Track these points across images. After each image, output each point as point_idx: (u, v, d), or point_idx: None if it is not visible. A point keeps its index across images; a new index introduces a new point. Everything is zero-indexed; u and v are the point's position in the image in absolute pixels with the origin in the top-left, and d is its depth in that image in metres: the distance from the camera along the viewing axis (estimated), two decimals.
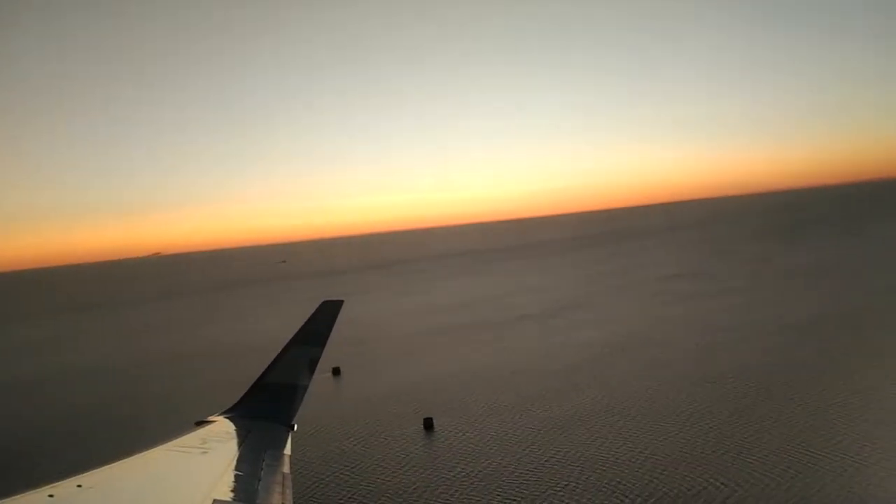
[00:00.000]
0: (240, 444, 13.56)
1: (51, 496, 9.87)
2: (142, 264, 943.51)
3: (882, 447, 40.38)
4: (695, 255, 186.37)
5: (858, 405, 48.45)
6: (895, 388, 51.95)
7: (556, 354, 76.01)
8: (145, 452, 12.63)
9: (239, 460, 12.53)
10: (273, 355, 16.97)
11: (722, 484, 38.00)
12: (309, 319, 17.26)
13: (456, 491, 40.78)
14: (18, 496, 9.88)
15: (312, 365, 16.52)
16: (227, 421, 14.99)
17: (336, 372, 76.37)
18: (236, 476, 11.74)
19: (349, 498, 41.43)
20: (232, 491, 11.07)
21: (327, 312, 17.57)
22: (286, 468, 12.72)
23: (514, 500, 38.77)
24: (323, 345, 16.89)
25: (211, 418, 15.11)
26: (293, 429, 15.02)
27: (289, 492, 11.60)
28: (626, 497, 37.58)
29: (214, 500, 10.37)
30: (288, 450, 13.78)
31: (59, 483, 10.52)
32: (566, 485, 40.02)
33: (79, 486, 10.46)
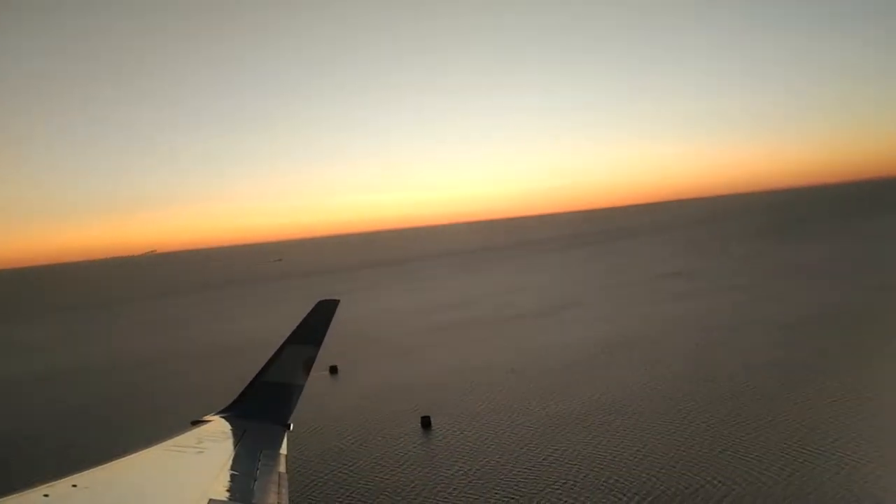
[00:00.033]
0: (235, 444, 13.58)
1: (46, 496, 9.88)
2: (136, 262, 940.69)
3: (878, 445, 40.49)
4: (692, 254, 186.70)
5: (855, 403, 48.56)
6: (892, 386, 52.21)
7: (553, 353, 76.13)
8: (141, 452, 12.64)
9: (235, 460, 12.55)
10: (269, 354, 16.99)
11: (719, 482, 38.09)
12: (305, 319, 17.29)
13: (454, 489, 40.81)
14: (13, 496, 9.90)
15: (308, 364, 16.55)
16: (223, 420, 15.00)
17: (333, 370, 76.37)
18: (232, 476, 11.77)
19: (347, 497, 41.42)
20: (228, 490, 11.09)
21: (323, 312, 17.61)
22: (282, 468, 12.76)
23: (513, 498, 38.82)
24: (319, 344, 16.93)
25: (206, 418, 15.13)
26: (289, 428, 15.05)
27: (285, 491, 11.63)
28: (624, 495, 37.66)
29: (210, 500, 10.40)
30: (284, 449, 13.82)
31: (55, 483, 10.53)
32: (564, 483, 40.10)
33: (74, 485, 10.47)
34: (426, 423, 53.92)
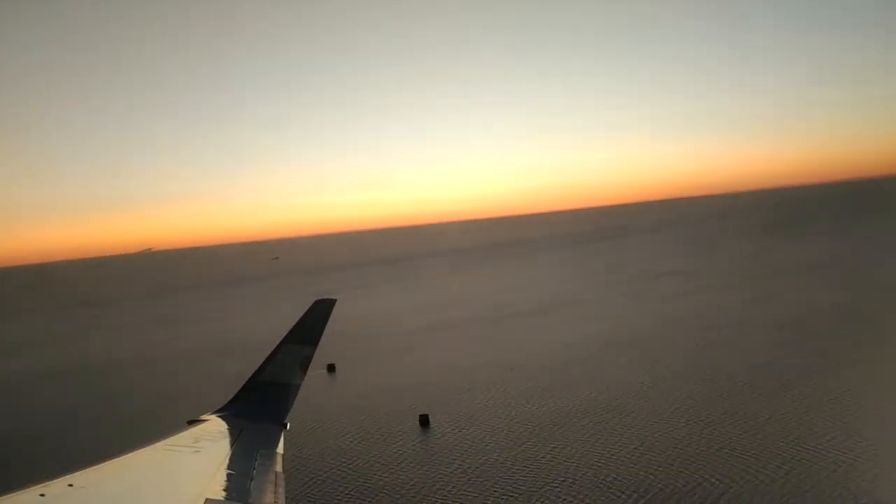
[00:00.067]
0: (232, 443, 13.55)
1: (42, 495, 9.84)
2: (133, 260, 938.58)
3: (876, 444, 40.55)
4: (689, 252, 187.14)
5: (853, 402, 48.63)
6: (889, 384, 52.30)
7: (550, 351, 76.21)
8: (137, 451, 12.59)
9: (231, 459, 12.52)
10: (266, 353, 16.96)
11: (717, 480, 38.13)
12: (302, 318, 17.27)
13: (453, 487, 40.81)
14: (9, 496, 9.85)
15: (305, 364, 16.54)
16: (220, 420, 14.97)
17: (331, 369, 76.34)
18: (228, 475, 11.73)
19: (344, 496, 41.38)
20: (224, 490, 11.06)
21: (320, 311, 17.59)
22: (279, 467, 12.74)
23: (512, 496, 38.83)
24: (316, 343, 16.91)
25: (203, 417, 15.10)
26: (286, 428, 15.03)
27: (281, 491, 11.61)
28: (623, 493, 37.70)
29: (207, 500, 10.36)
30: (280, 449, 13.80)
31: (50, 482, 10.49)
32: (563, 481, 40.13)
33: (70, 485, 10.43)
34: (424, 421, 53.91)
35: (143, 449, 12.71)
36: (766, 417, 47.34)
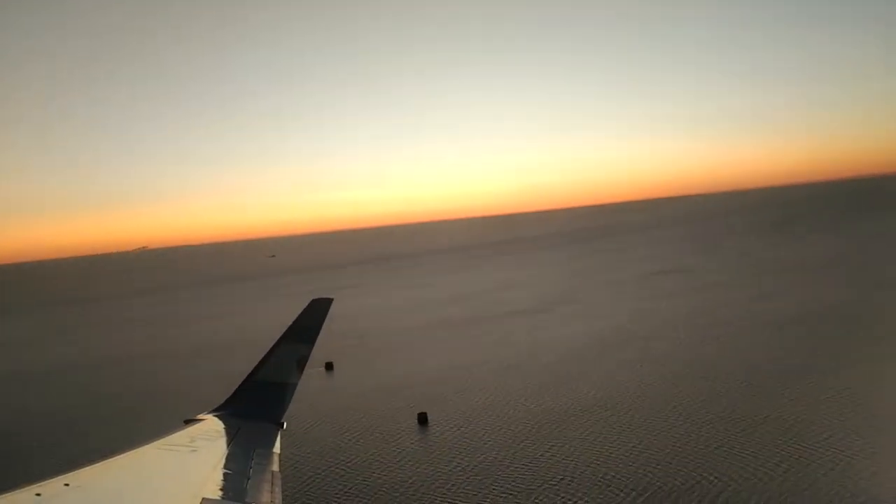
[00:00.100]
0: (229, 443, 13.51)
1: (38, 495, 9.80)
2: (128, 258, 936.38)
3: (873, 441, 40.63)
4: (688, 250, 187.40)
5: (850, 400, 48.69)
6: (886, 382, 52.36)
7: (548, 349, 76.27)
8: (133, 451, 12.55)
9: (228, 459, 12.49)
10: (262, 352, 16.93)
11: (715, 479, 38.18)
12: (298, 317, 17.23)
13: (452, 486, 40.83)
14: (5, 495, 9.81)
15: (302, 363, 16.50)
16: (216, 419, 14.93)
17: (329, 367, 76.30)
18: (225, 475, 11.70)
19: (343, 494, 41.35)
20: (221, 490, 11.03)
21: (317, 310, 17.55)
22: (275, 466, 12.71)
23: (511, 494, 38.86)
24: (312, 343, 16.88)
25: (199, 416, 15.05)
26: (282, 427, 14.99)
27: (278, 490, 11.57)
28: (621, 491, 37.74)
29: (203, 499, 10.33)
30: (277, 448, 13.76)
31: (46, 482, 10.45)
32: (562, 479, 40.18)
33: (66, 484, 10.39)
34: (423, 419, 53.92)
35: (140, 448, 12.67)
36: (763, 416, 47.40)
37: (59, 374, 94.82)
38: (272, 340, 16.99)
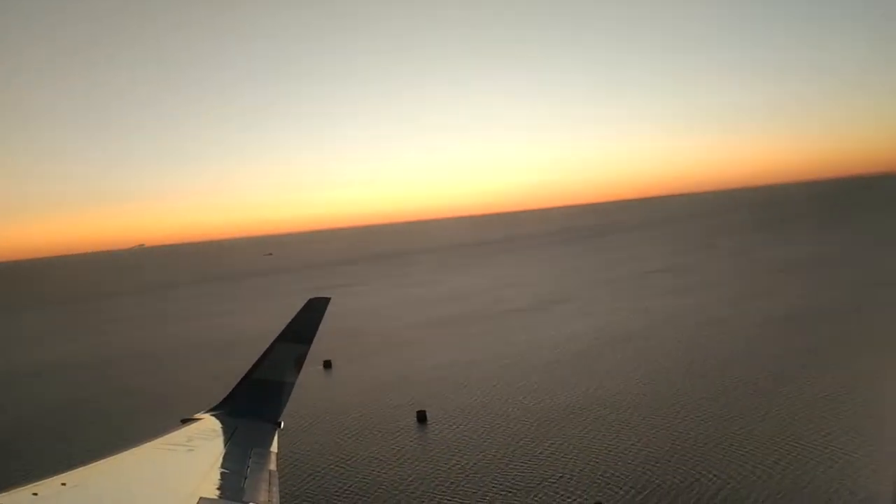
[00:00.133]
0: (226, 442, 13.48)
1: (35, 494, 9.77)
2: (126, 256, 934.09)
3: (871, 439, 40.69)
4: (686, 249, 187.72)
5: (848, 398, 48.81)
6: (883, 380, 52.37)
7: (546, 347, 76.30)
8: (130, 450, 12.50)
9: (225, 458, 12.45)
10: (259, 351, 16.88)
11: (714, 476, 38.22)
12: (296, 317, 17.19)
13: (451, 483, 40.82)
14: (2, 495, 9.78)
15: (299, 362, 16.45)
16: (213, 418, 14.88)
17: (327, 365, 76.21)
18: (222, 474, 11.67)
19: (343, 492, 41.27)
20: (218, 489, 11.00)
21: (314, 309, 17.51)
22: (273, 466, 12.67)
23: (510, 492, 38.87)
24: (310, 342, 16.83)
25: (197, 416, 15.00)
26: (280, 426, 14.96)
27: (275, 489, 11.54)
28: (620, 489, 37.75)
29: (201, 498, 10.31)
30: (275, 447, 13.73)
31: (43, 481, 10.41)
32: (561, 476, 40.21)
33: (63, 484, 10.35)
34: (422, 417, 53.91)
35: (137, 448, 12.63)
36: (761, 413, 47.46)
37: (56, 372, 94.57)
38: (269, 339, 16.94)
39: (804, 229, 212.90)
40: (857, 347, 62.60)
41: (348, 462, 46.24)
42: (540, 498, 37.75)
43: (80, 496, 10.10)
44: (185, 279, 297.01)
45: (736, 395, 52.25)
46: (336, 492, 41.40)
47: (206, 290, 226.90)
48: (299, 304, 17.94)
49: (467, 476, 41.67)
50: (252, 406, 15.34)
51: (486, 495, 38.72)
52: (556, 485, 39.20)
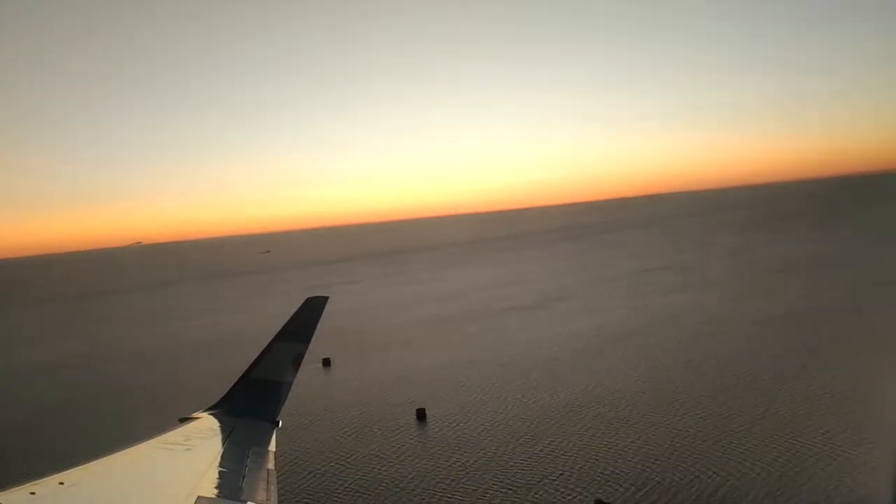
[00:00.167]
0: (224, 441, 13.45)
1: (32, 493, 9.74)
2: (123, 254, 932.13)
3: (869, 436, 40.75)
4: (685, 247, 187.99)
5: (846, 396, 48.92)
6: (882, 378, 52.40)
7: (545, 345, 76.34)
8: (128, 449, 12.47)
9: (223, 457, 12.42)
10: (257, 349, 16.83)
11: (714, 473, 38.27)
12: (294, 315, 17.14)
13: (451, 481, 40.86)
14: (0, 494, 9.76)
15: (297, 361, 16.41)
16: (211, 417, 14.84)
17: (326, 363, 76.23)
18: (220, 473, 11.64)
19: (342, 491, 41.27)
20: (216, 488, 10.98)
21: (312, 308, 17.46)
22: (271, 465, 12.64)
23: (510, 489, 38.90)
24: (308, 341, 16.78)
25: (195, 415, 14.96)
26: (278, 425, 14.93)
27: (273, 488, 11.52)
28: (620, 485, 37.80)
29: (199, 498, 10.29)
30: (273, 446, 13.70)
31: (41, 480, 10.38)
32: (561, 474, 40.26)
33: (61, 483, 10.33)
34: (421, 415, 53.94)
35: (135, 447, 12.59)
36: (760, 411, 47.52)
37: (53, 371, 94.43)
38: (267, 337, 16.91)
39: (804, 227, 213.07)
40: (856, 346, 62.66)
41: (347, 460, 46.24)
42: (540, 495, 37.79)
43: (78, 495, 10.08)
44: (184, 277, 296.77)
45: (735, 392, 52.30)
46: (335, 490, 41.40)
47: (204, 288, 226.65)
48: (297, 302, 17.91)
49: (467, 474, 41.69)
50: (250, 405, 15.31)
51: (487, 493, 38.74)
52: (556, 482, 39.24)
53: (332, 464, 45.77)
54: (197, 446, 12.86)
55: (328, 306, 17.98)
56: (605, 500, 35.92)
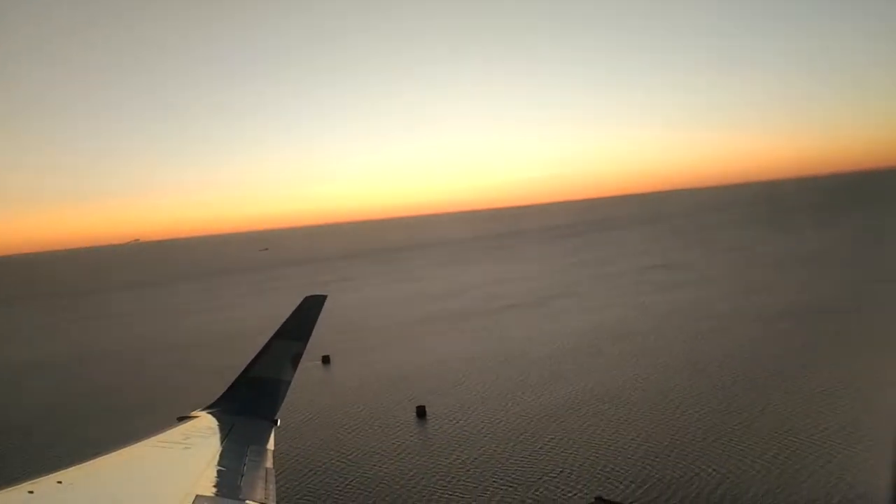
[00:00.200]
0: (222, 440, 13.43)
1: (30, 492, 9.72)
2: (121, 251, 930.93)
3: (868, 433, 40.76)
4: (683, 245, 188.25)
5: (845, 393, 48.93)
6: (879, 375, 52.42)
7: (544, 342, 76.36)
8: (126, 448, 12.45)
9: (222, 456, 12.40)
10: (256, 347, 16.83)
11: (713, 470, 38.29)
12: (292, 314, 17.13)
13: (452, 478, 40.88)
14: None
15: (296, 360, 16.40)
16: (210, 416, 14.83)
17: (326, 360, 76.24)
18: (219, 471, 11.62)
19: (342, 488, 41.26)
20: (215, 487, 10.96)
21: (311, 307, 17.46)
22: (269, 463, 12.63)
23: (510, 486, 38.92)
24: (306, 339, 16.77)
25: (193, 413, 14.94)
26: (276, 424, 14.92)
27: (272, 487, 11.51)
28: (620, 482, 37.82)
29: (197, 496, 10.26)
30: (271, 445, 13.68)
31: (39, 479, 10.35)
32: (561, 471, 40.28)
33: (59, 482, 10.30)
34: (421, 412, 53.97)
35: (133, 445, 12.57)
36: (759, 408, 47.53)
37: (50, 369, 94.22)
38: (266, 335, 16.90)
39: (804, 225, 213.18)
40: (856, 344, 62.63)
41: (347, 458, 46.22)
42: (541, 492, 37.81)
43: (76, 494, 10.06)
44: (181, 274, 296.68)
45: (735, 390, 52.31)
46: (335, 488, 41.39)
47: (201, 285, 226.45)
48: (295, 300, 17.91)
49: (468, 471, 41.71)
50: (249, 404, 15.30)
51: (487, 490, 38.76)
52: (556, 479, 39.26)
53: (332, 461, 45.77)
54: (195, 445, 12.84)
55: (328, 303, 17.99)
56: (606, 497, 35.91)
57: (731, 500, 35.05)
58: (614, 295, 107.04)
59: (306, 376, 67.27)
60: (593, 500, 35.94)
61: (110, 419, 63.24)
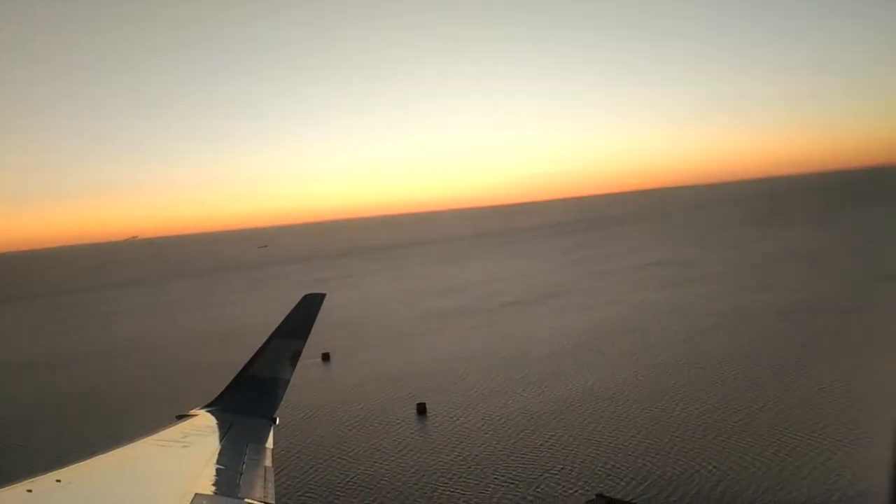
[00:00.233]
0: (221, 438, 13.42)
1: (29, 491, 9.71)
2: (119, 248, 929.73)
3: (867, 430, 40.74)
4: (682, 242, 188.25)
5: (844, 391, 48.94)
6: (878, 373, 52.39)
7: (543, 340, 76.35)
8: (125, 446, 12.44)
9: (220, 454, 12.39)
10: (255, 345, 16.81)
11: (713, 467, 38.30)
12: (291, 312, 17.10)
13: (453, 475, 40.90)
14: None
15: (294, 358, 16.38)
16: (209, 414, 14.82)
17: (325, 357, 76.24)
18: (218, 470, 11.61)
19: (342, 486, 41.26)
20: (214, 485, 10.95)
21: (309, 305, 17.43)
22: (268, 462, 12.62)
23: (510, 483, 38.92)
24: (305, 338, 16.75)
25: (192, 412, 14.94)
26: (275, 422, 14.92)
27: (271, 485, 11.50)
28: (621, 479, 37.83)
29: (196, 495, 10.25)
30: (270, 443, 13.67)
31: (38, 478, 10.33)
32: (562, 468, 40.30)
33: (58, 480, 10.28)
34: (421, 409, 53.99)
35: (132, 444, 12.56)
36: (759, 405, 47.54)
37: (49, 367, 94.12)
38: (265, 333, 16.88)
39: (806, 222, 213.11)
40: (856, 341, 62.59)
41: (347, 455, 46.22)
42: (542, 489, 37.83)
43: (74, 492, 10.05)
44: (180, 271, 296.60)
45: (735, 387, 52.31)
46: (335, 485, 41.38)
47: (200, 282, 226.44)
48: (294, 297, 17.91)
49: (469, 468, 41.72)
50: (247, 402, 15.28)
51: (488, 487, 38.78)
52: (557, 476, 39.28)
53: (331, 459, 45.77)
54: (194, 443, 12.84)
55: (327, 301, 17.95)
56: (606, 494, 35.95)
57: (731, 497, 35.08)
58: (615, 292, 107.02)
59: (306, 374, 67.29)
60: (594, 496, 35.97)
61: (109, 418, 63.20)
